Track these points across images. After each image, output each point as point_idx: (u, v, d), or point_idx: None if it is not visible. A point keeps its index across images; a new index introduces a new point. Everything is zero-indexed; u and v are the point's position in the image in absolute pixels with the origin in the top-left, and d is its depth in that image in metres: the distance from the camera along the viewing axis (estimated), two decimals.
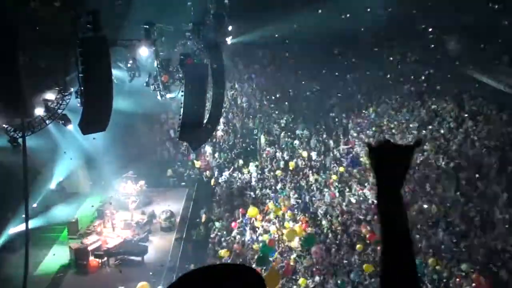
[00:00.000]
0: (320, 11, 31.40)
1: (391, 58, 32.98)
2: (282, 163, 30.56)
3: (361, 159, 28.44)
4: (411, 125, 29.97)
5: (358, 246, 21.80)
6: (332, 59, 33.72)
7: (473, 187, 24.28)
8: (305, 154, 30.16)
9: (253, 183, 29.58)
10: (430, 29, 30.93)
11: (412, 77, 32.24)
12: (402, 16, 31.02)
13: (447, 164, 25.84)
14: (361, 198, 25.68)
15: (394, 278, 2.04)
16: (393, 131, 30.38)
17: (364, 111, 33.15)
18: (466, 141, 26.87)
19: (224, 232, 25.25)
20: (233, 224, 25.48)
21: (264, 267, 20.71)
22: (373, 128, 31.01)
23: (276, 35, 32.30)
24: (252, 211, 24.86)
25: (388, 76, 33.07)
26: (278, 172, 29.40)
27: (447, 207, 23.44)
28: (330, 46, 33.40)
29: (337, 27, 30.38)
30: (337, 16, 31.39)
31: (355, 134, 31.72)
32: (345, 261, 21.72)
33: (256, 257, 21.89)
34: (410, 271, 2.05)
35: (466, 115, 28.50)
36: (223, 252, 22.93)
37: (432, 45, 30.84)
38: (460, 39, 29.12)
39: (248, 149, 32.85)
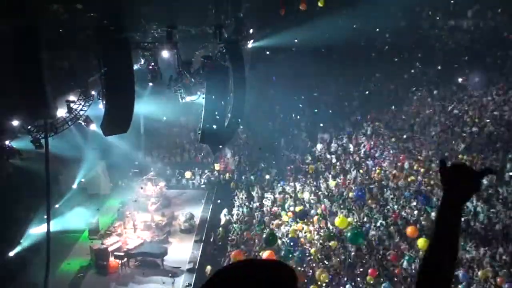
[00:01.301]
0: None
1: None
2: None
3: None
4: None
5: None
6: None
7: None
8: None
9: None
10: None
11: None
12: None
13: None
14: None
15: (432, 282, 2.25)
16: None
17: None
18: None
19: (244, 234, 25.22)
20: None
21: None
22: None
23: (296, 40, 32.23)
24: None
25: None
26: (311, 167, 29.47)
27: None
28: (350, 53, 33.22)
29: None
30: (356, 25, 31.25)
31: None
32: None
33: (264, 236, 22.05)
34: (448, 280, 2.26)
35: None
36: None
37: None
38: None
39: (267, 154, 32.82)
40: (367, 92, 33.51)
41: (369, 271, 20.47)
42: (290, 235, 23.22)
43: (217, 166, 32.42)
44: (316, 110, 34.44)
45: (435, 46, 30.88)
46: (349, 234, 21.07)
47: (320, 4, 28.33)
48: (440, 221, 2.35)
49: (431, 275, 2.24)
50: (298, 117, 34.63)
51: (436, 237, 2.32)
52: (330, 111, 34.25)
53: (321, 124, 33.66)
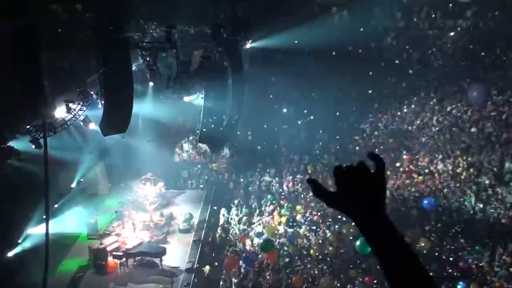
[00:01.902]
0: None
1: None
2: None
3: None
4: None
5: None
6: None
7: None
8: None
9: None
10: None
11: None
12: None
13: None
14: None
15: None
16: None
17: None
18: None
19: (243, 233, 25.27)
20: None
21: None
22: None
23: (296, 41, 32.16)
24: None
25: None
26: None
27: None
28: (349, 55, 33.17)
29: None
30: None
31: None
32: None
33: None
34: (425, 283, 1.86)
35: None
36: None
37: None
38: None
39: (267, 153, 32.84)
40: (370, 91, 33.42)
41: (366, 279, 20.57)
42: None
43: (215, 166, 32.46)
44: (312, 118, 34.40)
45: (434, 46, 30.83)
46: (358, 242, 21.04)
47: None
48: (372, 247, 1.92)
49: None
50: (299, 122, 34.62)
51: (383, 267, 1.89)
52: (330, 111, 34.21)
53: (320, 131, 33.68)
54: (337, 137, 32.75)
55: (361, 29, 31.05)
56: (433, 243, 21.47)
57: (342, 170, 2.02)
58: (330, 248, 22.44)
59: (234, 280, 21.78)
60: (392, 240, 1.91)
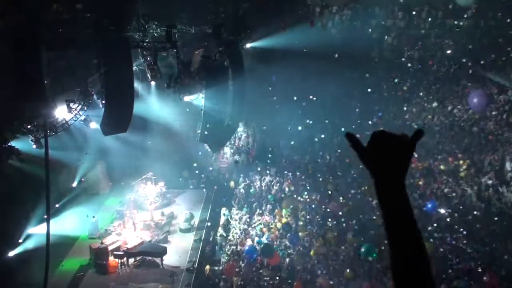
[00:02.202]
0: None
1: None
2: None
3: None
4: None
5: None
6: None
7: None
8: None
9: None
10: None
11: None
12: None
13: None
14: None
15: (407, 272, 1.94)
16: None
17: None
18: None
19: (242, 234, 25.30)
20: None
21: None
22: None
23: (296, 42, 32.06)
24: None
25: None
26: None
27: None
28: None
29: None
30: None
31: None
32: None
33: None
34: (423, 265, 1.94)
35: None
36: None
37: None
38: None
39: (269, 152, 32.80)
40: (369, 90, 33.34)
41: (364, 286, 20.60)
42: None
43: (216, 165, 32.48)
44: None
45: (435, 45, 30.78)
46: (363, 249, 21.18)
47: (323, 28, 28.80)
48: (385, 212, 2.02)
49: (403, 280, 1.94)
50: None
51: (389, 235, 2.00)
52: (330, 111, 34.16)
53: (326, 121, 33.58)
54: (338, 137, 32.66)
55: (362, 29, 30.99)
56: (434, 246, 21.42)
57: (383, 133, 2.13)
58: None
59: (235, 279, 21.82)
60: (402, 207, 2.02)
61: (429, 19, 29.82)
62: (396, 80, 32.43)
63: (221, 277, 22.45)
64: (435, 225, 23.48)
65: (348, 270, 21.30)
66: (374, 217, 23.89)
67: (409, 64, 31.91)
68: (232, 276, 22.14)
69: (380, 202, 2.05)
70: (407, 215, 2.01)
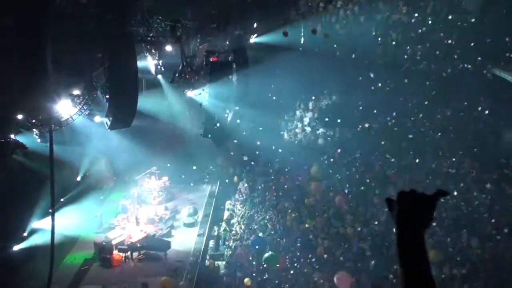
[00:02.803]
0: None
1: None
2: None
3: None
4: None
5: None
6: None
7: None
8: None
9: None
10: None
11: None
12: None
13: None
14: None
15: None
16: None
17: None
18: None
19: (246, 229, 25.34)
20: None
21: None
22: None
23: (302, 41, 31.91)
24: None
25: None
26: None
27: None
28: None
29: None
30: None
31: None
32: None
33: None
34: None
35: None
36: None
37: None
38: None
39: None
40: (373, 88, 33.21)
41: None
42: None
43: (219, 161, 32.50)
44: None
45: (440, 40, 30.64)
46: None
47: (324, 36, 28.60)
48: (405, 259, 2.21)
49: None
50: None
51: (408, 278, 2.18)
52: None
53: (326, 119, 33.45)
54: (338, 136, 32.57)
55: (365, 25, 30.92)
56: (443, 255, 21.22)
57: (410, 194, 2.32)
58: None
59: (239, 274, 21.88)
60: (418, 259, 2.20)
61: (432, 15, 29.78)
62: (406, 80, 32.13)
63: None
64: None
65: None
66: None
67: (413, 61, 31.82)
68: (244, 262, 22.34)
69: (400, 250, 2.24)
70: (425, 269, 2.18)
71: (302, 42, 30.11)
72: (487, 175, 25.38)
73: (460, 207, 23.86)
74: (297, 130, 33.39)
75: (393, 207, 2.34)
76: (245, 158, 31.61)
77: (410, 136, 30.01)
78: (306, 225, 24.34)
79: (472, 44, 29.15)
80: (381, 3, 30.34)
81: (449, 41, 30.13)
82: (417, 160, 28.00)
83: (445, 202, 23.13)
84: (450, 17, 29.62)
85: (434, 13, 30.14)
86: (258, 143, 31.94)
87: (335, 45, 31.82)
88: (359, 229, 23.64)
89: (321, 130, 32.80)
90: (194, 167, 32.60)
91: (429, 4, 30.08)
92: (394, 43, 31.84)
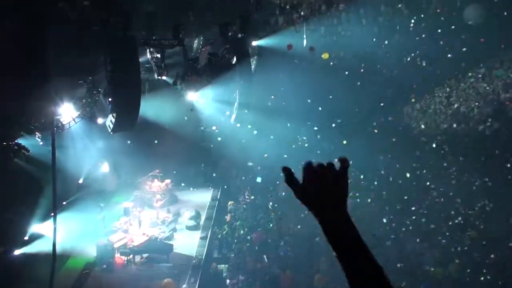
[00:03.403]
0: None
1: None
2: None
3: None
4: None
5: None
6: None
7: None
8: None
9: None
10: None
11: None
12: None
13: None
14: None
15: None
16: None
17: None
18: None
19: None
20: None
21: None
22: None
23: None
24: None
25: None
26: None
27: None
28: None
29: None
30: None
31: None
32: None
33: None
34: (376, 277, 1.90)
35: None
36: None
37: None
38: None
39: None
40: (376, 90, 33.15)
41: None
42: None
43: (222, 163, 32.47)
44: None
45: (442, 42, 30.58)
46: None
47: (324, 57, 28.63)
48: (335, 246, 1.96)
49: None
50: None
51: (343, 263, 1.94)
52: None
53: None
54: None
55: (368, 27, 30.85)
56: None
57: (311, 166, 2.02)
58: None
59: (241, 277, 21.82)
60: (349, 235, 1.95)
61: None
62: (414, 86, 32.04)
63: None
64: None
65: None
66: None
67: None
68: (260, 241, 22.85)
69: (328, 238, 1.98)
70: (359, 247, 1.94)
71: (304, 45, 29.96)
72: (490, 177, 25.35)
73: (464, 209, 23.85)
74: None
75: (294, 182, 2.02)
76: (259, 180, 30.98)
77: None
78: None
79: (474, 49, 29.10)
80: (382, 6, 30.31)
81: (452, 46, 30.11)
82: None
83: (447, 203, 23.18)
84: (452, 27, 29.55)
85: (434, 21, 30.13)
86: (266, 155, 31.63)
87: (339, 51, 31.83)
88: None
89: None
90: (202, 165, 32.59)
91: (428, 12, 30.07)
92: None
